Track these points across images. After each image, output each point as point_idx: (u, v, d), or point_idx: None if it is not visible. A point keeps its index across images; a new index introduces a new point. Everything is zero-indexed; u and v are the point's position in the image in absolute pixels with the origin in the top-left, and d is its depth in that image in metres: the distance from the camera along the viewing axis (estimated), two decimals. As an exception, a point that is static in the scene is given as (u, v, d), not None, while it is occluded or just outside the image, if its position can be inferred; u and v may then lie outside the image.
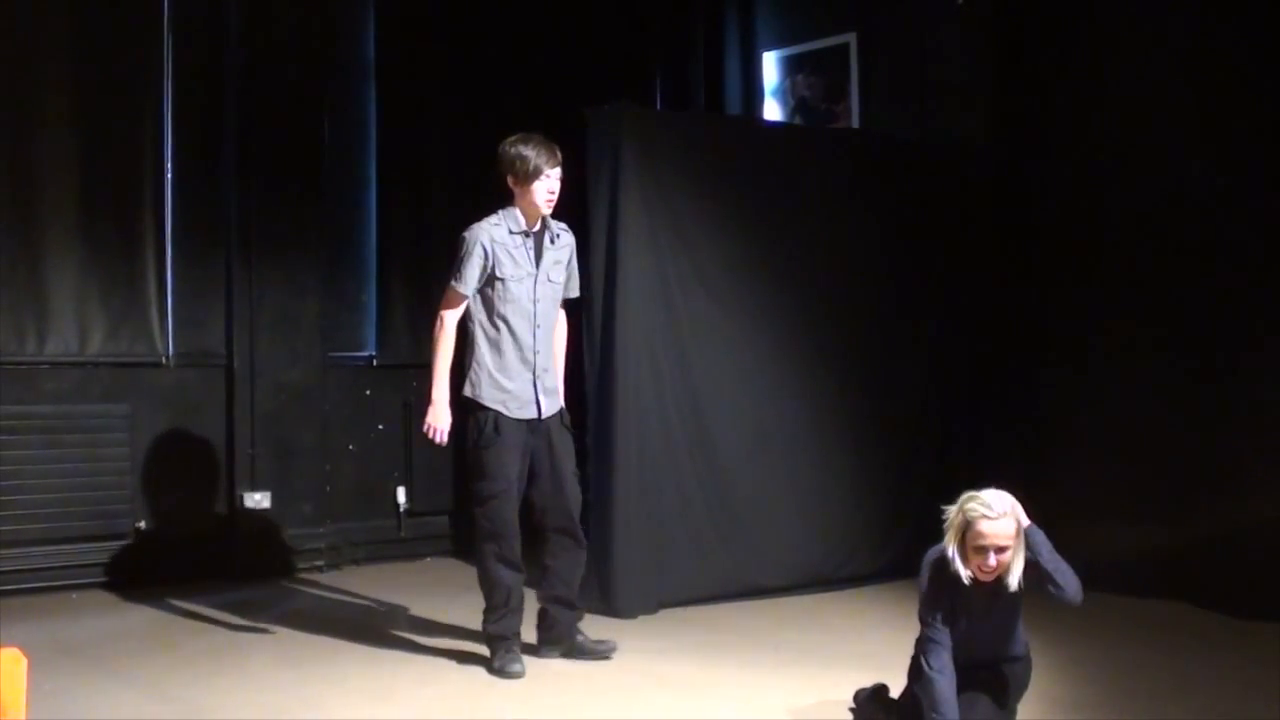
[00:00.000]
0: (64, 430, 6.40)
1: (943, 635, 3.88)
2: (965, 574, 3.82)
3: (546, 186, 4.98)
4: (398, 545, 7.44)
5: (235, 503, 6.82)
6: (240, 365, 6.89)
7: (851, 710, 4.30)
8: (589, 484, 6.01)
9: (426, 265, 7.57)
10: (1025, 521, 3.82)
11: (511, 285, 4.97)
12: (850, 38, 7.92)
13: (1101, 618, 5.72)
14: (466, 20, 7.82)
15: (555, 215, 5.13)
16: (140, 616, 5.93)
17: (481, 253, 4.94)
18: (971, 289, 7.17)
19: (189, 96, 6.86)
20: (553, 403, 5.08)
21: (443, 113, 7.71)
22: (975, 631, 3.93)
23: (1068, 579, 3.81)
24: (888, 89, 7.79)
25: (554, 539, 5.08)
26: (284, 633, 5.60)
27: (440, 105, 7.70)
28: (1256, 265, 6.13)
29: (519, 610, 5.01)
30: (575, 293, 5.29)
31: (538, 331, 5.02)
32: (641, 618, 5.92)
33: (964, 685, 3.90)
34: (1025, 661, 4.06)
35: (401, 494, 7.45)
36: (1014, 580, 3.80)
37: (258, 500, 6.84)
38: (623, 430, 5.96)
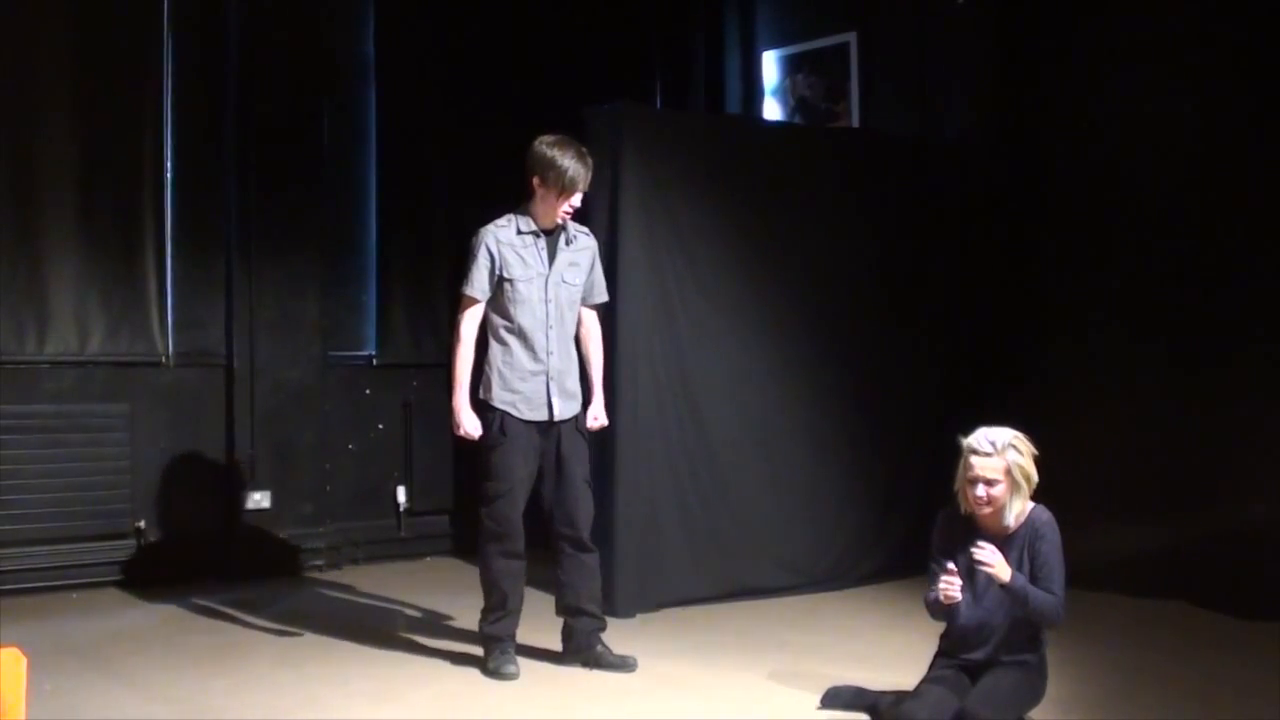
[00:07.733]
0: (64, 430, 6.40)
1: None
2: (964, 506, 4.00)
3: (572, 202, 4.95)
4: (398, 545, 7.44)
5: (235, 502, 6.82)
6: (240, 365, 6.89)
7: (819, 708, 4.41)
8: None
9: (426, 265, 7.59)
10: (1022, 465, 3.92)
11: (520, 286, 4.93)
12: (850, 37, 7.92)
13: (1101, 618, 5.74)
14: (466, 19, 7.83)
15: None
16: (140, 616, 5.94)
17: (487, 255, 4.92)
18: (969, 289, 7.17)
19: (189, 96, 6.86)
20: (569, 406, 5.03)
21: (443, 113, 7.71)
22: (985, 594, 3.99)
23: (1047, 617, 3.93)
24: (888, 89, 7.79)
25: (561, 547, 5.04)
26: (284, 633, 5.60)
27: (440, 105, 7.70)
28: (1258, 264, 6.13)
29: (516, 612, 5.00)
30: (601, 298, 5.21)
31: (551, 333, 4.96)
32: (641, 617, 5.92)
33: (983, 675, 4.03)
34: (1040, 667, 4.10)
35: (401, 493, 7.46)
36: (1010, 518, 3.95)
37: (258, 500, 6.84)
38: (621, 430, 5.95)
